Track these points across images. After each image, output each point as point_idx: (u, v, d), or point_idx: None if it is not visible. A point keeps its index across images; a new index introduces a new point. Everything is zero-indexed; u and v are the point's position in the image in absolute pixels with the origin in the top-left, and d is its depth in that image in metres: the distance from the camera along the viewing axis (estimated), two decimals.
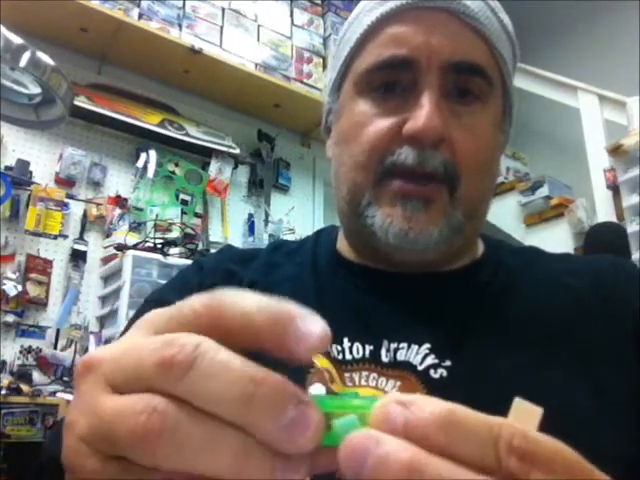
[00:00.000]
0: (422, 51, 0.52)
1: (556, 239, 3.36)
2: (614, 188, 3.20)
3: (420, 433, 0.20)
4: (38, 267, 2.32)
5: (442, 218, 0.52)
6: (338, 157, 0.58)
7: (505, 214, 3.68)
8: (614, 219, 3.13)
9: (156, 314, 0.26)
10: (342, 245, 0.63)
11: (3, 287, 2.19)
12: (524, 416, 0.23)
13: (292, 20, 3.28)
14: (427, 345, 0.51)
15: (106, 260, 2.42)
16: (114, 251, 2.34)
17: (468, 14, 0.53)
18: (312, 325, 0.23)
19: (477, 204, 0.55)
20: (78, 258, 2.43)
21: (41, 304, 2.30)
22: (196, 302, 0.25)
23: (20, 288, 2.23)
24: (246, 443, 0.21)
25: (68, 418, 0.25)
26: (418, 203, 0.52)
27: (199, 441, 0.21)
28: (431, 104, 0.51)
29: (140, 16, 2.66)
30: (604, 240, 2.78)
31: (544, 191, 3.61)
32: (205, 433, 0.21)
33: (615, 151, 3.09)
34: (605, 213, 3.22)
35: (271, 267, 0.61)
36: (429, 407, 0.21)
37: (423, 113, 0.50)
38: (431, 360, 0.50)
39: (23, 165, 2.39)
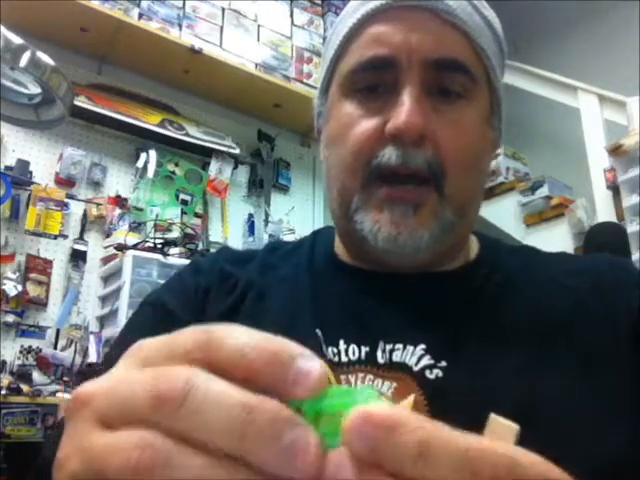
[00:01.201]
0: (402, 50, 0.52)
1: (556, 239, 3.36)
2: (614, 188, 3.20)
3: (390, 462, 0.20)
4: (38, 267, 2.32)
5: (432, 220, 0.52)
6: (328, 159, 0.59)
7: (505, 214, 3.68)
8: (614, 219, 3.13)
9: (147, 346, 0.25)
10: (339, 246, 0.63)
11: (3, 287, 2.19)
12: (500, 433, 0.22)
13: (292, 20, 3.28)
14: (422, 346, 0.50)
15: (106, 260, 2.42)
16: (114, 251, 2.34)
17: (447, 11, 0.53)
18: (310, 365, 0.22)
19: (466, 201, 0.55)
20: (78, 258, 2.43)
21: (41, 304, 2.30)
22: (188, 339, 0.24)
23: (20, 288, 2.23)
24: (243, 473, 0.21)
25: (59, 455, 0.25)
26: (407, 208, 0.52)
27: (193, 475, 0.21)
28: (411, 100, 0.51)
29: (140, 16, 2.66)
30: (604, 240, 2.78)
31: (544, 191, 3.61)
32: (199, 468, 0.21)
33: (615, 151, 3.09)
34: (605, 213, 3.22)
35: (267, 268, 0.61)
36: (403, 436, 0.20)
37: (403, 110, 0.50)
38: (427, 361, 0.50)
39: (23, 165, 2.39)
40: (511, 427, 0.22)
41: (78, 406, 0.25)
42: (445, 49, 0.53)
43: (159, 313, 0.58)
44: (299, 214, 3.20)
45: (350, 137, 0.54)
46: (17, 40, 1.49)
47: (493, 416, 0.23)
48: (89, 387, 0.25)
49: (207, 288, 0.59)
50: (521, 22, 3.83)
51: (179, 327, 0.58)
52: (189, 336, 0.24)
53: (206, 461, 0.21)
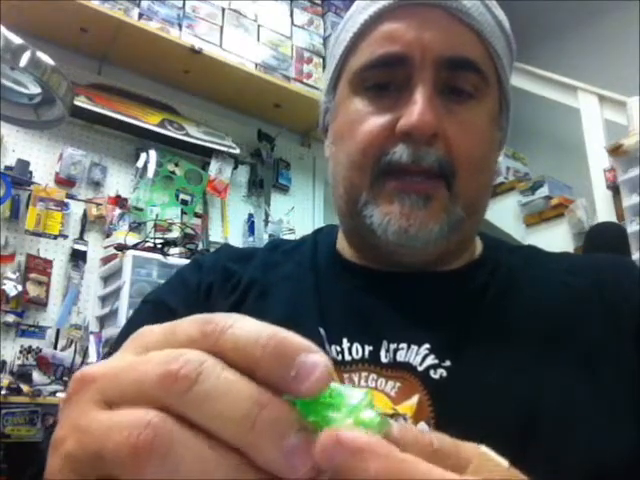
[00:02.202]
0: (415, 47, 0.52)
1: (556, 239, 3.37)
2: (614, 188, 3.20)
3: None
4: (38, 267, 2.32)
5: (443, 214, 0.52)
6: (334, 156, 0.58)
7: (505, 214, 3.68)
8: (614, 219, 3.13)
9: (148, 333, 0.25)
10: (342, 245, 0.62)
11: (3, 287, 2.19)
12: (486, 467, 0.22)
13: (292, 20, 3.28)
14: (427, 345, 0.50)
15: (106, 260, 2.42)
16: (114, 251, 2.34)
17: (461, 10, 0.53)
18: (313, 363, 0.22)
19: (475, 200, 0.55)
20: (78, 258, 2.43)
21: (41, 304, 2.30)
22: (191, 327, 0.23)
23: (20, 288, 2.22)
24: (240, 466, 0.21)
25: (55, 435, 0.24)
26: (418, 199, 0.51)
27: (192, 460, 0.21)
28: (424, 99, 0.50)
29: (140, 16, 2.66)
30: (604, 240, 2.78)
31: (544, 191, 3.61)
32: (199, 453, 0.21)
33: (615, 151, 3.09)
34: (605, 213, 3.23)
35: (270, 266, 0.61)
36: (364, 462, 0.20)
37: (416, 109, 0.50)
38: (431, 360, 0.49)
39: (23, 165, 2.39)
40: (498, 464, 0.22)
41: (79, 387, 0.24)
42: (458, 48, 0.52)
43: (160, 311, 0.57)
44: (299, 214, 3.20)
45: (359, 134, 0.53)
46: (17, 40, 1.49)
47: (484, 450, 0.23)
48: (91, 369, 0.24)
49: (210, 285, 0.58)
50: (521, 22, 3.82)
51: None
52: (192, 324, 0.24)
53: (209, 448, 0.21)
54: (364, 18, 0.55)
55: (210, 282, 0.58)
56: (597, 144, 3.39)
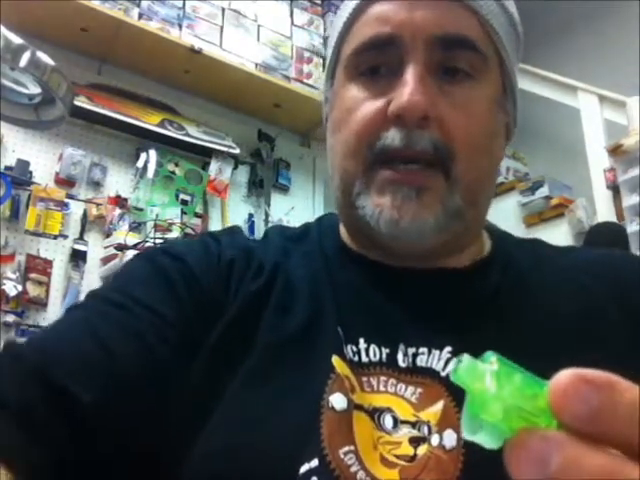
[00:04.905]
0: (405, 27, 0.50)
1: (556, 239, 3.33)
2: (614, 188, 3.20)
3: (611, 428, 0.18)
4: (38, 267, 2.32)
5: (437, 205, 0.50)
6: (332, 146, 0.57)
7: (505, 214, 3.68)
8: (614, 219, 3.13)
9: None
10: (345, 235, 0.60)
11: (3, 287, 2.18)
12: None
13: (292, 20, 3.27)
14: (448, 348, 0.49)
15: (106, 260, 2.42)
16: (114, 251, 2.34)
17: None
18: None
19: (476, 187, 0.53)
20: (78, 258, 2.43)
21: (41, 304, 2.30)
22: None
23: (20, 288, 2.22)
24: None
25: None
26: (410, 191, 0.49)
27: None
28: (414, 79, 0.49)
29: (140, 16, 2.66)
30: (604, 240, 2.78)
31: (544, 191, 3.61)
32: None
33: (615, 151, 3.09)
34: (605, 213, 3.22)
35: (285, 251, 0.58)
36: (623, 395, 0.18)
37: (406, 90, 0.48)
38: (454, 365, 0.49)
39: (23, 165, 2.39)
40: None
41: None
42: (451, 26, 0.50)
43: (178, 265, 0.53)
44: (299, 214, 3.20)
45: (353, 121, 0.52)
46: (17, 40, 1.49)
47: None
48: None
49: (232, 260, 0.55)
50: (521, 22, 3.82)
51: (199, 288, 0.52)
52: None
53: None
54: (355, 2, 0.54)
55: (232, 257, 0.55)
56: (597, 144, 3.39)
